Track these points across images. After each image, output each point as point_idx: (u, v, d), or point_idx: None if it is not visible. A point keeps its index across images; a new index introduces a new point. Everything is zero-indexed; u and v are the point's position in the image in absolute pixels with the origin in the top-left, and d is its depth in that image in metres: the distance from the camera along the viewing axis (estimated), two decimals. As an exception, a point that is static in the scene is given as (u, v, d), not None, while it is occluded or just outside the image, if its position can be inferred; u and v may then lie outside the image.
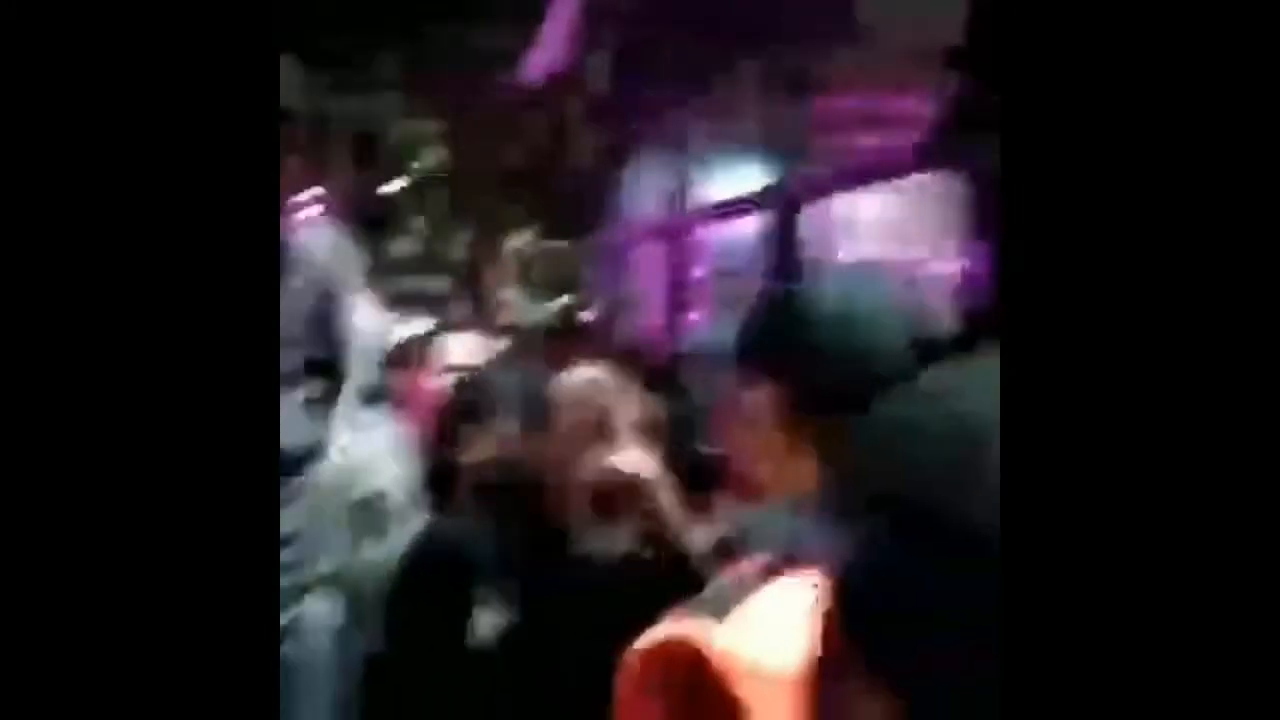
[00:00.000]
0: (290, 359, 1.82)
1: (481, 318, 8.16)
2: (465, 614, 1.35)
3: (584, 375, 1.46)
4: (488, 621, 1.33)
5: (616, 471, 1.40)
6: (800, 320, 0.93)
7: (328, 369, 1.92)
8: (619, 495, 1.37)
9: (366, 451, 2.17)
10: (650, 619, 0.84)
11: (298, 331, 1.83)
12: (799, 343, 0.93)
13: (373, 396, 2.16)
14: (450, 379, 2.58)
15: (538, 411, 1.42)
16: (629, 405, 1.40)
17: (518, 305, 11.71)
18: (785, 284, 1.01)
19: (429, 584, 1.41)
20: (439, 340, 2.80)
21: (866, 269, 1.01)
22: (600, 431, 1.38)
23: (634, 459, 1.43)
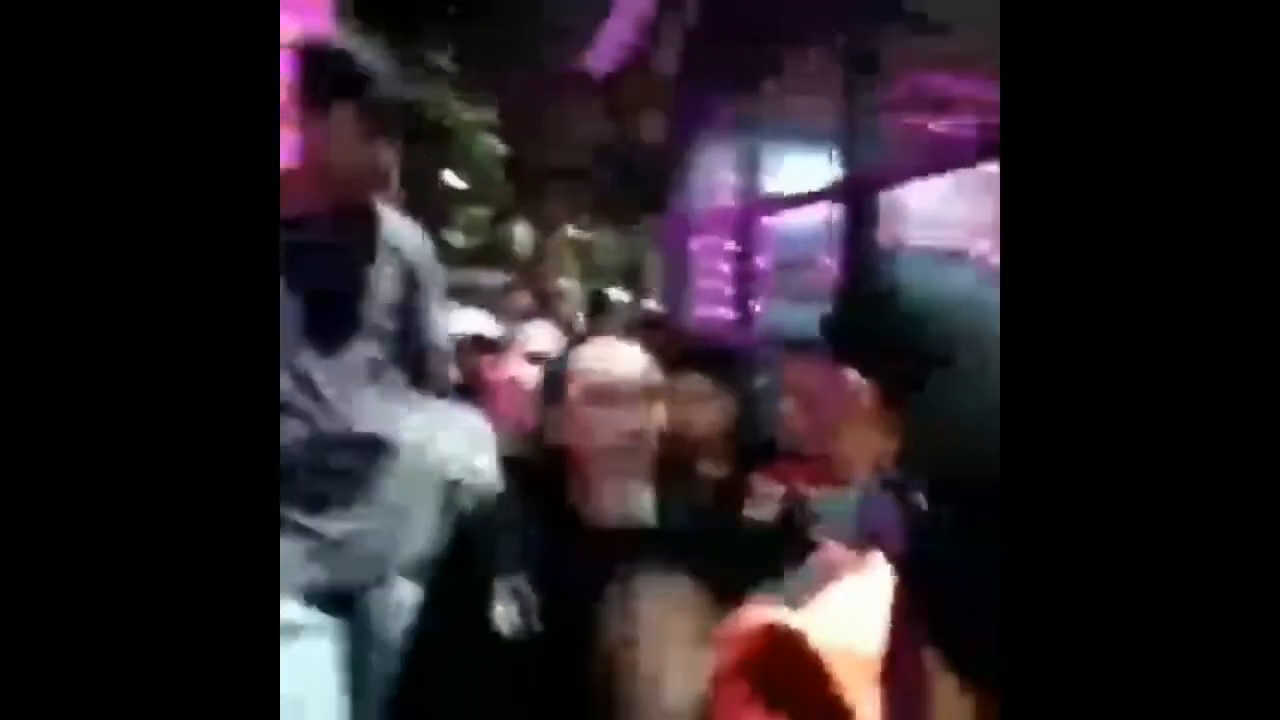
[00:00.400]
0: (379, 348, 1.84)
1: (542, 309, 8.18)
2: (486, 603, 1.34)
3: (597, 347, 1.45)
4: (508, 612, 1.33)
5: (609, 373, 1.37)
6: (889, 307, 0.93)
7: (418, 358, 1.94)
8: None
9: (450, 439, 2.25)
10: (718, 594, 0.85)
11: (386, 321, 1.84)
12: (889, 330, 0.92)
13: (446, 388, 2.18)
14: (533, 368, 2.60)
15: (555, 384, 1.42)
16: (645, 373, 1.39)
17: (577, 295, 11.76)
18: (871, 272, 1.00)
19: (452, 573, 1.40)
20: (517, 330, 2.81)
21: (953, 257, 0.99)
22: (612, 397, 1.37)
23: (626, 358, 1.41)
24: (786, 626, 0.81)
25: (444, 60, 13.74)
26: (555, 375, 1.42)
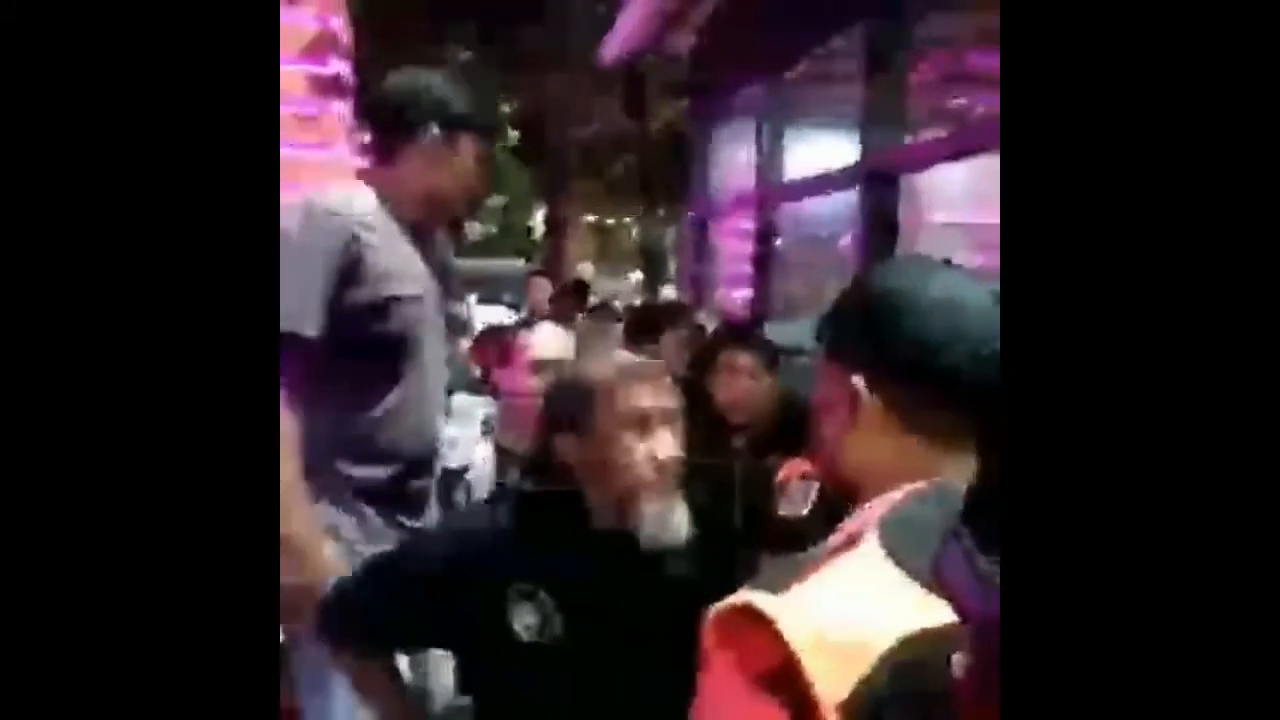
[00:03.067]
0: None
1: (560, 296, 8.16)
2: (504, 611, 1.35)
3: (618, 364, 1.42)
4: (527, 619, 1.33)
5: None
6: (879, 314, 0.91)
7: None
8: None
9: (459, 429, 2.35)
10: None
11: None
12: (878, 338, 0.91)
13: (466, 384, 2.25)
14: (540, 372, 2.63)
15: (579, 406, 1.38)
16: (665, 393, 1.38)
17: (596, 281, 11.79)
18: (866, 275, 0.98)
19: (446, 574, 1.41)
20: (523, 335, 2.83)
21: (953, 266, 0.97)
22: (639, 422, 1.35)
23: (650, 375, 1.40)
24: (756, 608, 0.80)
25: (459, 51, 13.76)
26: (573, 398, 1.38)
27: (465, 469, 2.14)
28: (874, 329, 0.92)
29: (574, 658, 1.30)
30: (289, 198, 1.55)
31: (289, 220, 1.63)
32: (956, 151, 3.45)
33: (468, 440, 2.42)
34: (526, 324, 5.36)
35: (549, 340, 2.64)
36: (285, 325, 1.56)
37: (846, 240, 4.81)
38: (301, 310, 1.62)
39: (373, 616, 1.44)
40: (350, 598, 1.47)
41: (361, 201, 1.75)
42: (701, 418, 2.20)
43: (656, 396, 1.35)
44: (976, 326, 0.89)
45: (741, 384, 2.70)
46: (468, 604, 1.33)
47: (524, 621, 1.31)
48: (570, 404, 1.36)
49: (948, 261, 0.99)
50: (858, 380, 0.92)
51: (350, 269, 1.67)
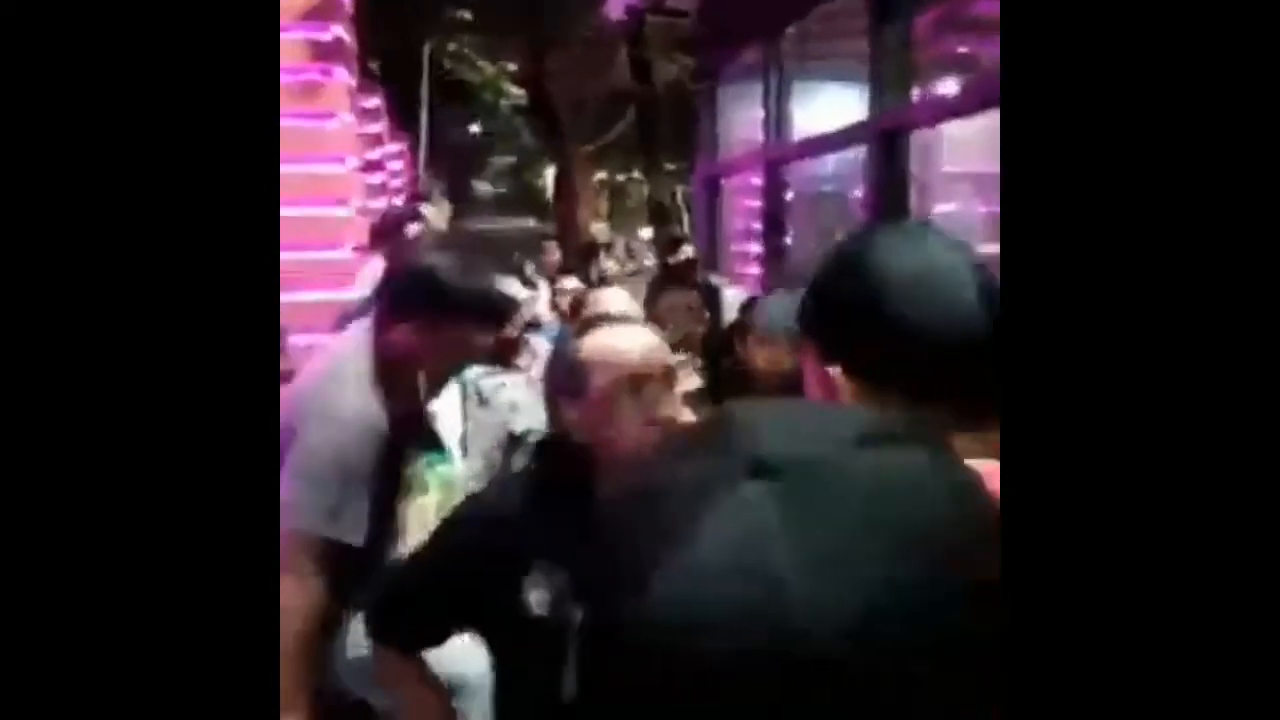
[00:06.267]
0: None
1: (569, 253, 8.14)
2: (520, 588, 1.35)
3: (618, 337, 1.42)
4: (540, 596, 1.34)
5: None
6: (850, 310, 0.88)
7: None
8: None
9: (512, 396, 2.39)
10: None
11: None
12: (849, 331, 0.89)
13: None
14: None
15: (574, 376, 1.38)
16: (658, 353, 1.38)
17: (607, 240, 11.74)
18: (839, 256, 0.94)
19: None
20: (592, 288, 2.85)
21: (933, 238, 0.92)
22: (631, 383, 1.36)
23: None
24: None
25: (463, 12, 13.64)
26: (569, 363, 1.39)
27: (527, 433, 2.20)
28: (845, 323, 0.89)
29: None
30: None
31: (344, 435, 1.62)
32: (965, 107, 3.42)
33: (529, 404, 2.43)
34: (601, 281, 5.40)
35: (615, 298, 2.66)
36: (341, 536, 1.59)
37: (858, 192, 4.78)
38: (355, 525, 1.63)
39: (422, 610, 1.45)
40: (398, 596, 1.48)
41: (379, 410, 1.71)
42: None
43: (648, 357, 1.36)
44: (952, 316, 0.85)
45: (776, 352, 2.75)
46: (492, 584, 1.34)
47: (537, 596, 1.32)
48: (565, 369, 1.37)
49: (927, 228, 0.94)
50: (834, 371, 0.89)
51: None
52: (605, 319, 1.46)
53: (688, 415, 1.36)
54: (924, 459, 0.54)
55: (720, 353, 3.04)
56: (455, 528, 1.50)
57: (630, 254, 8.21)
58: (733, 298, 4.19)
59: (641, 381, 1.34)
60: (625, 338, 1.37)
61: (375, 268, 3.03)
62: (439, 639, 1.49)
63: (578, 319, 2.50)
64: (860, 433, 0.53)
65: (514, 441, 2.35)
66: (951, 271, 0.86)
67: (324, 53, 4.38)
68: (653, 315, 3.28)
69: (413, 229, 3.01)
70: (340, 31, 4.50)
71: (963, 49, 4.81)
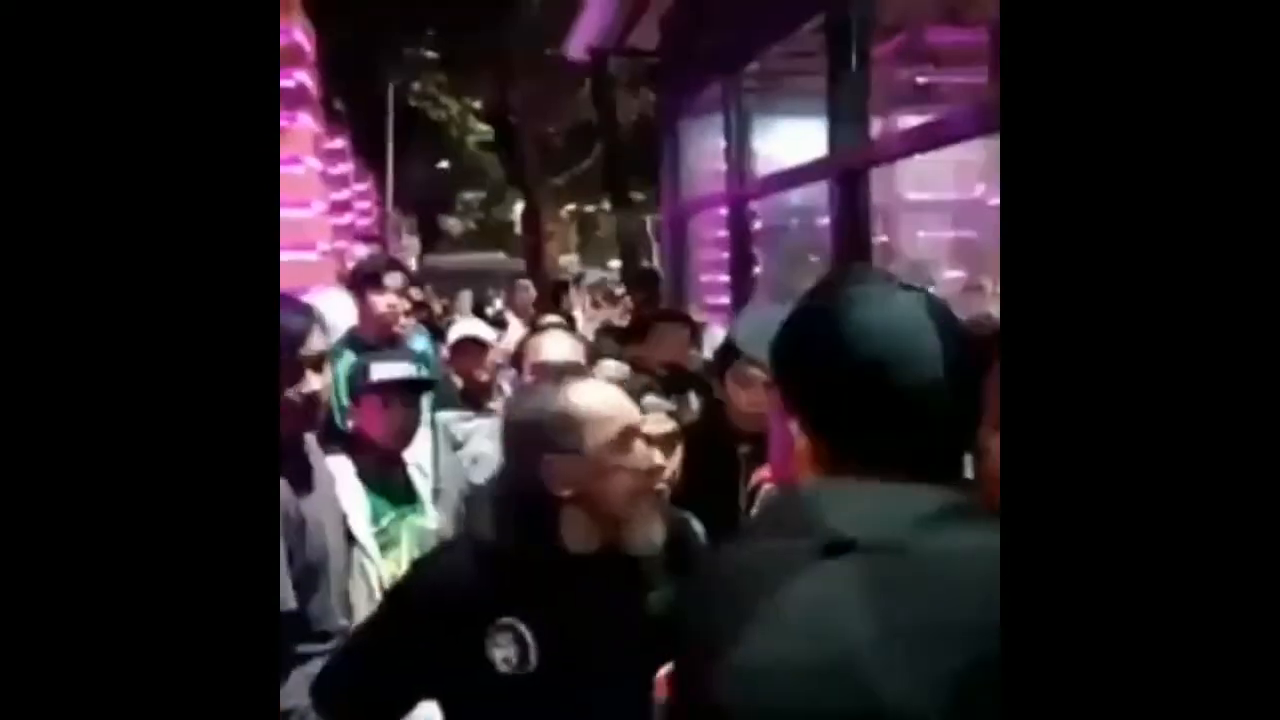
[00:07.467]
0: None
1: (540, 288, 8.10)
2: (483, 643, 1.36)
3: (602, 392, 1.42)
4: (506, 651, 1.34)
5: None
6: (809, 375, 0.87)
7: None
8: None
9: (478, 448, 2.40)
10: None
11: None
12: (809, 394, 0.87)
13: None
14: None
15: (565, 432, 1.39)
16: (649, 417, 1.39)
17: (578, 272, 11.73)
18: (804, 312, 0.90)
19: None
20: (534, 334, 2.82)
21: (900, 297, 0.88)
22: (624, 445, 1.37)
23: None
24: None
25: (428, 52, 13.67)
26: (555, 419, 1.38)
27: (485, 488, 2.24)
28: (807, 382, 0.88)
29: (552, 687, 1.30)
30: None
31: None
32: (923, 144, 3.46)
33: (491, 458, 2.43)
34: (535, 329, 5.37)
35: (555, 345, 2.56)
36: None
37: (825, 220, 4.80)
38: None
39: (366, 688, 1.41)
40: (341, 674, 1.45)
41: None
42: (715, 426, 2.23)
43: (632, 411, 1.37)
44: (914, 386, 0.82)
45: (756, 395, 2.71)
46: (450, 647, 1.33)
47: (503, 654, 1.32)
48: (553, 426, 1.36)
49: (896, 288, 0.92)
50: (793, 426, 0.88)
51: None
52: (569, 370, 1.46)
53: (672, 463, 1.37)
54: (990, 537, 0.54)
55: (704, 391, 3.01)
56: (401, 596, 1.47)
57: (609, 297, 8.08)
58: (711, 339, 4.19)
59: (635, 435, 1.35)
60: (608, 392, 1.38)
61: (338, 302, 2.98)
62: (392, 712, 1.44)
63: (524, 367, 2.46)
64: (930, 511, 0.53)
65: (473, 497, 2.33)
66: (916, 338, 0.83)
67: (288, 100, 4.38)
68: (641, 348, 3.25)
69: (390, 280, 2.98)
70: (304, 78, 4.51)
71: (921, 79, 4.86)
